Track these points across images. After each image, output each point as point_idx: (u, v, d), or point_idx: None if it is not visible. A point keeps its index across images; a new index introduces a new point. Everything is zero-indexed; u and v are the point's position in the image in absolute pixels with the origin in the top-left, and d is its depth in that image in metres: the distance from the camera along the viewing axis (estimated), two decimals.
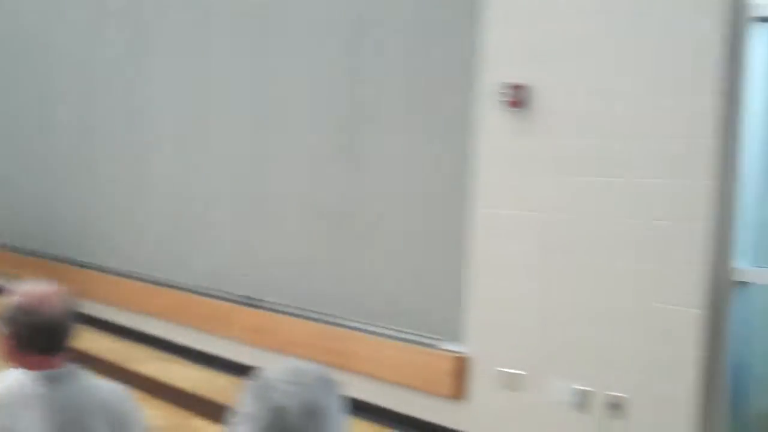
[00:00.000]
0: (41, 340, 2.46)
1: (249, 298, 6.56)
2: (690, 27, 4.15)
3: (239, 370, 5.93)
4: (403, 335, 5.43)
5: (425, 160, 5.46)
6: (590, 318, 4.49)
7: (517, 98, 4.72)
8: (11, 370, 2.46)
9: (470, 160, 5.04)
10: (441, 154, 5.37)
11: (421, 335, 5.34)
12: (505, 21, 4.87)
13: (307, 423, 1.74)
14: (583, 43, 4.55)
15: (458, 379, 5.03)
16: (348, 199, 5.95)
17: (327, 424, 1.77)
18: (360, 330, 5.67)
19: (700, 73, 4.11)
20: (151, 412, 5.10)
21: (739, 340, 4.16)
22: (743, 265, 4.13)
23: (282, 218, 6.46)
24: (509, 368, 4.80)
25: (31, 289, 2.50)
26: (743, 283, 4.14)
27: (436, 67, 5.41)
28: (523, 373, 4.75)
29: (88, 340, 6.25)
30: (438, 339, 5.23)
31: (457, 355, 5.06)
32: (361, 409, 5.35)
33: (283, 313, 6.24)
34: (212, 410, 5.34)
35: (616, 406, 4.36)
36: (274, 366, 1.84)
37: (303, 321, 6.06)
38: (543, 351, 4.68)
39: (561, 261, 4.62)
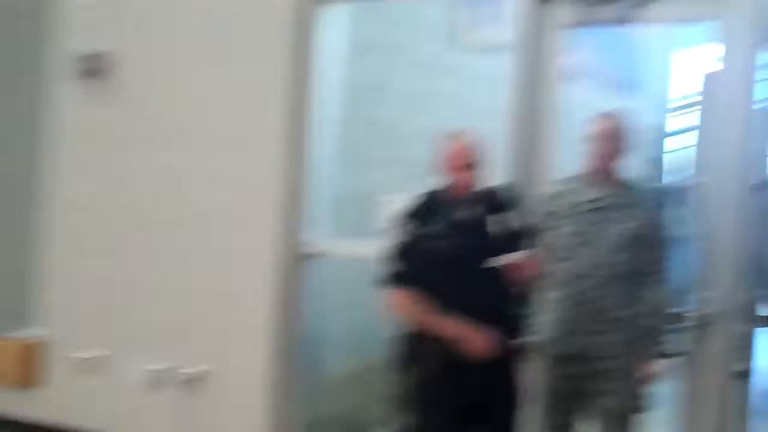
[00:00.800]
0: None
1: None
2: (261, 3, 4.26)
3: None
4: None
5: None
6: (170, 296, 4.47)
7: (94, 68, 4.54)
8: None
9: (47, 133, 4.77)
10: (15, 127, 5.00)
11: None
12: None
13: None
14: (160, 13, 4.50)
15: (29, 366, 4.74)
16: None
17: None
18: None
19: (270, 50, 4.24)
20: None
21: (313, 309, 4.35)
22: (314, 238, 4.32)
23: None
24: (88, 352, 4.62)
25: None
26: (314, 255, 4.32)
27: (10, 33, 5.05)
28: (102, 355, 4.60)
29: None
30: (7, 325, 4.88)
31: (29, 341, 4.77)
32: None
33: None
34: None
35: (195, 381, 4.37)
36: None
37: None
38: (123, 332, 4.58)
39: (140, 239, 4.54)
